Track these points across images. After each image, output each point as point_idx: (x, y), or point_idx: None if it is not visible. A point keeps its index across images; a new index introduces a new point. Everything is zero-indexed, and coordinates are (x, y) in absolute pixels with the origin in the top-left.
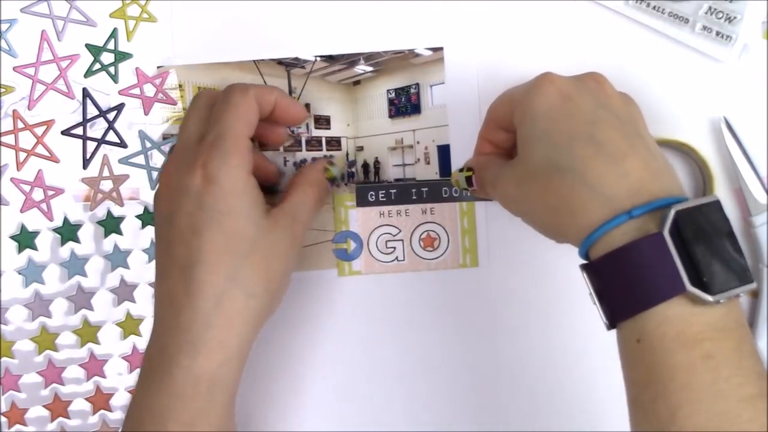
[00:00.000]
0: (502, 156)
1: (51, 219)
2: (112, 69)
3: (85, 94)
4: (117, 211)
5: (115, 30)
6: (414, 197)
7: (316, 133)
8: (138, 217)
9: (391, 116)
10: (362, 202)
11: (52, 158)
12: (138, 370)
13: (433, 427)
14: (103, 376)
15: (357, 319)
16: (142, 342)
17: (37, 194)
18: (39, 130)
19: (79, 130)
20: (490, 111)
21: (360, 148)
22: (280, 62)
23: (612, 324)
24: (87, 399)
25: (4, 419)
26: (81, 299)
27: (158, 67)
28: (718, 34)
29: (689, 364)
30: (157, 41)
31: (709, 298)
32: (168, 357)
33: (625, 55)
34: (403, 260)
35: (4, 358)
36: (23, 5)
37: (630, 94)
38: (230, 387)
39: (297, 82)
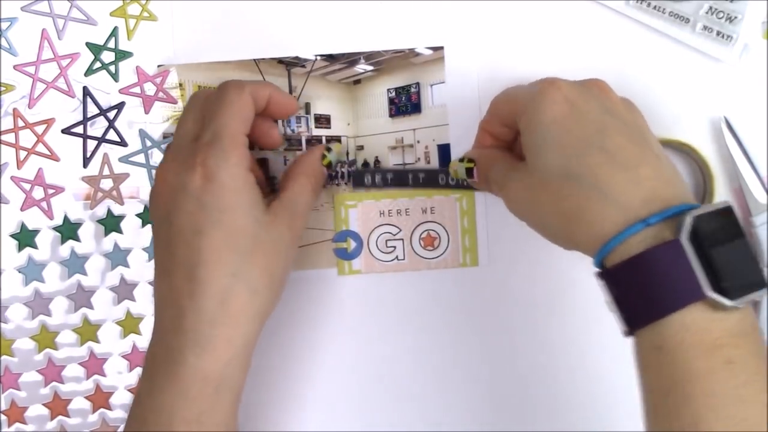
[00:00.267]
0: (503, 149)
1: (51, 217)
2: (112, 68)
3: (86, 92)
4: (117, 209)
5: (115, 29)
6: (410, 182)
7: (316, 132)
8: (138, 215)
9: (391, 115)
10: (358, 184)
11: (53, 157)
12: (138, 369)
13: (433, 427)
14: (103, 375)
15: (357, 319)
16: (142, 340)
17: (38, 193)
18: (39, 129)
19: (79, 129)
20: (492, 105)
21: (360, 147)
22: (280, 61)
23: (631, 331)
24: (87, 397)
25: (3, 417)
26: (81, 298)
27: (159, 66)
28: (718, 33)
29: (710, 370)
30: (157, 40)
31: (730, 303)
32: (173, 356)
33: (626, 55)
34: (403, 259)
35: (3, 357)
36: (24, 4)
37: (630, 94)
38: (236, 385)
39: (297, 81)
